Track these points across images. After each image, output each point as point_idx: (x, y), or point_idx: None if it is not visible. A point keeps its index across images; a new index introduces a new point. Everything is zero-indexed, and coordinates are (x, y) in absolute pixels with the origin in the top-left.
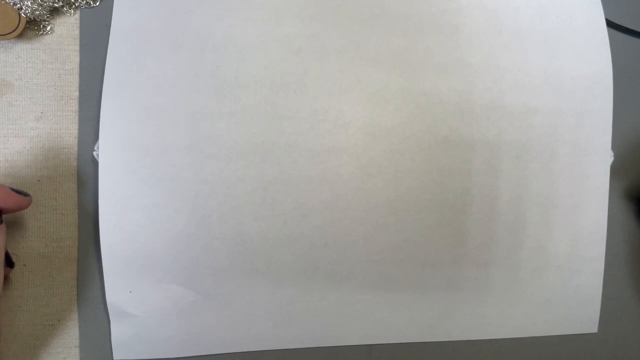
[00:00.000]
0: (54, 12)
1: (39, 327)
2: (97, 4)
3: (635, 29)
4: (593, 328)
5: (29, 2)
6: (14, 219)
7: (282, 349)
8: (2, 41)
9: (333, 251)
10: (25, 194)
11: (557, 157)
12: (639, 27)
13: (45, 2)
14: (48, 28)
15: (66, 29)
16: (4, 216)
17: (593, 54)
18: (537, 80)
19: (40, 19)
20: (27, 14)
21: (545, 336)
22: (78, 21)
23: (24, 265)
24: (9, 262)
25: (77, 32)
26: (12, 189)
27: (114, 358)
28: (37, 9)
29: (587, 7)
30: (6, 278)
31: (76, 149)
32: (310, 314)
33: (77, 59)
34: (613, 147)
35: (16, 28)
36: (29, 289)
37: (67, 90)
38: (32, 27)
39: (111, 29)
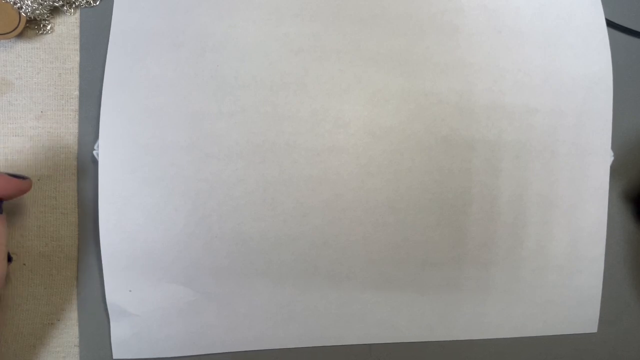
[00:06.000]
0: (54, 11)
1: (38, 326)
2: (98, 3)
3: (635, 29)
4: (593, 328)
5: (29, 1)
6: (14, 218)
7: (282, 348)
8: (2, 40)
9: (333, 251)
10: (24, 177)
11: (557, 157)
12: (639, 27)
13: (46, 2)
14: (48, 27)
15: (66, 28)
16: (5, 205)
17: (593, 54)
18: (537, 80)
19: (41, 18)
20: (27, 13)
21: (545, 336)
22: (78, 20)
23: (24, 264)
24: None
25: (77, 31)
26: (10, 174)
27: (114, 357)
28: (37, 8)
29: (587, 7)
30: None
31: (76, 148)
32: (310, 314)
33: (77, 58)
34: (613, 147)
35: (16, 27)
36: (29, 288)
37: (67, 90)
38: (32, 26)
39: (111, 28)
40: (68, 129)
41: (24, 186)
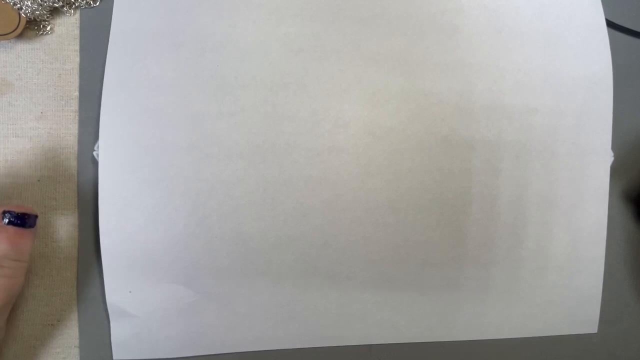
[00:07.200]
0: (54, 12)
1: (38, 327)
2: (97, 4)
3: (635, 29)
4: (593, 328)
5: (29, 2)
6: None
7: (282, 349)
8: (2, 41)
9: (333, 251)
10: (29, 215)
11: (557, 157)
12: (639, 27)
13: (45, 2)
14: (48, 28)
15: (66, 29)
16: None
17: (593, 54)
18: (537, 80)
19: (40, 19)
20: (27, 13)
21: (545, 336)
22: (78, 21)
23: None
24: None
25: (77, 32)
26: (15, 220)
27: (114, 358)
28: (37, 9)
29: (587, 7)
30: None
31: (76, 148)
32: (310, 314)
33: (77, 59)
34: (613, 147)
35: (16, 28)
36: (29, 288)
37: (67, 90)
38: (32, 27)
39: (111, 28)
40: (68, 130)
41: (31, 235)
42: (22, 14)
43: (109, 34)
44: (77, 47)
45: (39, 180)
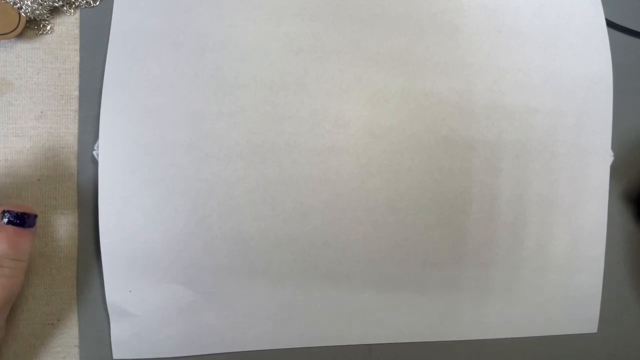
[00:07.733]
0: (54, 11)
1: (38, 327)
2: (97, 3)
3: (635, 29)
4: (593, 328)
5: (29, 2)
6: None
7: (282, 348)
8: (2, 40)
9: (333, 250)
10: (29, 214)
11: (557, 157)
12: (639, 27)
13: (45, 2)
14: (48, 27)
15: (66, 28)
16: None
17: (593, 54)
18: (537, 80)
19: (40, 19)
20: (27, 13)
21: (545, 336)
22: (78, 21)
23: None
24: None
25: (77, 31)
26: (14, 219)
27: (114, 357)
28: (37, 9)
29: (587, 7)
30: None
31: (76, 148)
32: (310, 314)
33: (77, 59)
34: (613, 147)
35: (16, 27)
36: (29, 288)
37: (67, 90)
38: (32, 26)
39: (111, 28)
40: (68, 129)
41: (31, 235)
42: (22, 14)
43: (109, 34)
44: (77, 47)
45: (38, 180)
